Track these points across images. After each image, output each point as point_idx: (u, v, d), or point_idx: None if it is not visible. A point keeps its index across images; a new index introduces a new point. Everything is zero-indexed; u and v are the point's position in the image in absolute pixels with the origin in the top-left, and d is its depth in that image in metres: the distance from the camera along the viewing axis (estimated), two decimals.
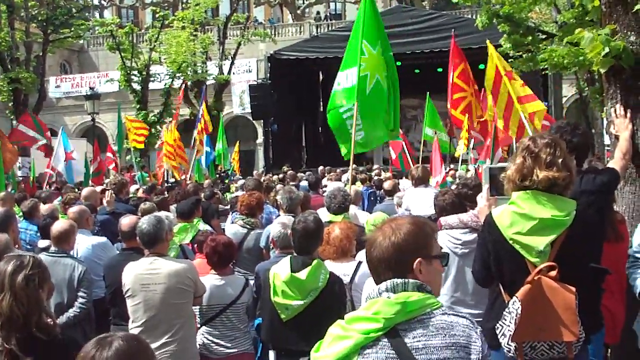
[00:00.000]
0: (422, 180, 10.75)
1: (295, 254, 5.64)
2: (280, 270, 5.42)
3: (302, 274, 5.32)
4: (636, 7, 5.24)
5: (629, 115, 5.42)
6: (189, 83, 33.44)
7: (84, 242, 8.04)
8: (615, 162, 5.21)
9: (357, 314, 2.85)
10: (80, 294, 6.89)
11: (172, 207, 10.37)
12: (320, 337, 2.89)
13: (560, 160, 4.08)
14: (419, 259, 2.86)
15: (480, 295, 5.29)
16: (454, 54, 15.66)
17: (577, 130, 5.08)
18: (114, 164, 24.09)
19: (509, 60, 15.15)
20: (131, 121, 25.11)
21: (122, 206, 11.09)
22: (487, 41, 12.25)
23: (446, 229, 6.04)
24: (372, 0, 10.38)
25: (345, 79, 10.15)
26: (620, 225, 5.30)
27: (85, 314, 6.94)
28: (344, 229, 6.14)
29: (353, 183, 11.91)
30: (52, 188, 18.39)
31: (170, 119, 28.32)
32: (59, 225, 7.28)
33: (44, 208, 10.17)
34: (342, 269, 5.94)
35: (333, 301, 5.43)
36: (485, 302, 4.81)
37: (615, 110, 5.53)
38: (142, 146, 25.66)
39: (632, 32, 5.41)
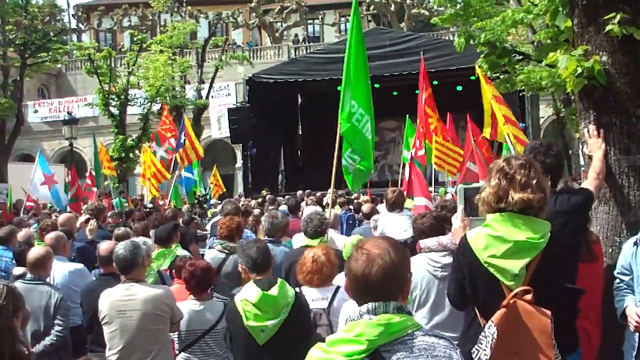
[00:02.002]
0: (396, 205, 10.72)
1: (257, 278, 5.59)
2: (248, 295, 5.34)
3: (274, 291, 5.30)
4: (607, 28, 5.28)
5: (601, 135, 5.44)
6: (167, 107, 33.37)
7: (61, 269, 7.97)
8: (589, 182, 5.21)
9: (339, 336, 2.83)
10: (56, 321, 6.83)
11: (150, 233, 10.31)
12: (299, 357, 2.87)
13: (534, 182, 4.08)
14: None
15: (460, 318, 5.28)
16: (423, 76, 15.78)
17: (550, 151, 5.10)
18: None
19: None
20: (103, 145, 25.13)
21: (99, 232, 11.00)
22: (477, 66, 12.34)
23: (425, 252, 6.02)
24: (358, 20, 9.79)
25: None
26: (594, 246, 5.30)
27: (62, 341, 6.88)
28: (326, 253, 6.12)
29: (333, 206, 11.87)
30: (30, 214, 18.30)
31: (148, 143, 28.19)
32: (35, 251, 7.22)
33: (19, 235, 10.07)
34: (321, 294, 5.94)
35: (303, 316, 5.48)
36: None
37: (588, 130, 5.55)
38: (114, 173, 25.58)
39: (604, 53, 5.45)
